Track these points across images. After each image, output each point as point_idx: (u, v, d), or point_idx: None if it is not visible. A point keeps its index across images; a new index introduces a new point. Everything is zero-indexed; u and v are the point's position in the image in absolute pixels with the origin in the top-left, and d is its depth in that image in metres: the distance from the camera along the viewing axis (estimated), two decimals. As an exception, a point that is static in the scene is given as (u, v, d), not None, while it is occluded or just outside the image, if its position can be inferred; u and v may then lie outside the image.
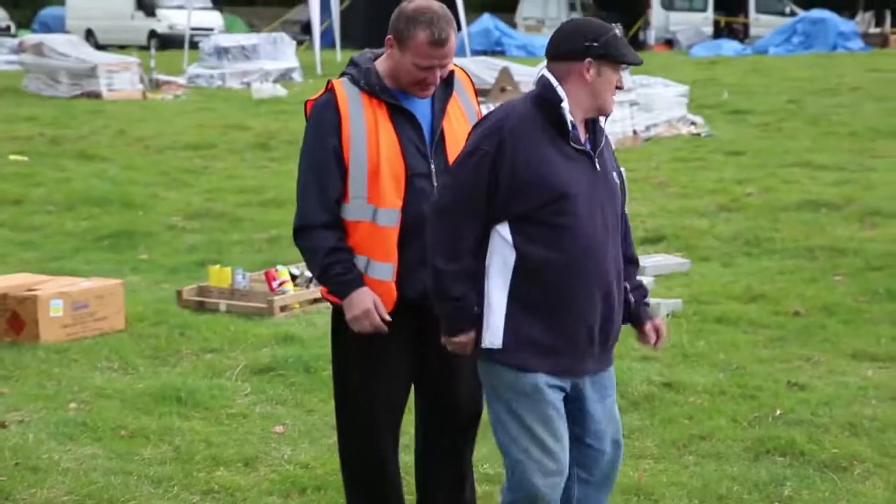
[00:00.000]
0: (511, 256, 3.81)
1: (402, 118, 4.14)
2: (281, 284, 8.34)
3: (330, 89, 4.16)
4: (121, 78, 22.41)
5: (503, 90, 13.96)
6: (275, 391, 6.52)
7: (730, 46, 34.39)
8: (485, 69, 16.29)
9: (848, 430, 5.81)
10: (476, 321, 3.85)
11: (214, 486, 5.25)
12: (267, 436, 5.86)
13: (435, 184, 4.09)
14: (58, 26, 38.51)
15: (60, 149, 15.71)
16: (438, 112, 4.18)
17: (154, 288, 8.98)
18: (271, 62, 25.00)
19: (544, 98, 3.81)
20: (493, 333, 3.82)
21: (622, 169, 4.14)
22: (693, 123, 17.04)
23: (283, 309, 8.15)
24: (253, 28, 40.59)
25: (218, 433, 5.87)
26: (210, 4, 38.67)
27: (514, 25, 40.41)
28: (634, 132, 15.88)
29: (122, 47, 33.64)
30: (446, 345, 3.91)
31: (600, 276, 3.84)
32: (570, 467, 3.94)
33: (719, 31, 40.09)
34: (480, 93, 14.70)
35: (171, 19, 37.46)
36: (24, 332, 7.37)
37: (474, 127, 3.91)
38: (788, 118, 18.21)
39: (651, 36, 40.23)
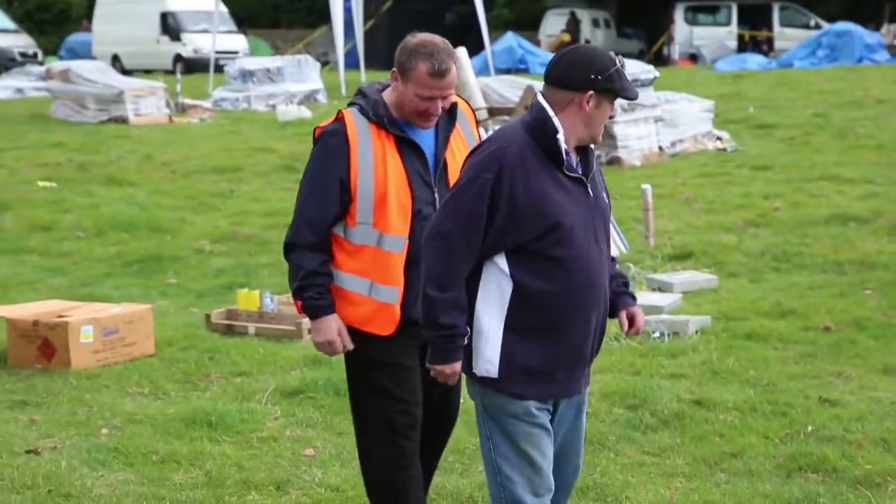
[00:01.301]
0: (508, 287, 3.83)
1: (408, 149, 4.32)
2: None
3: (340, 118, 4.33)
4: (147, 103, 22.54)
5: (527, 108, 13.95)
6: (305, 414, 6.53)
7: (754, 60, 34.29)
8: (508, 87, 16.30)
9: (881, 446, 5.78)
10: (462, 353, 3.88)
11: (246, 510, 5.26)
12: (297, 459, 5.87)
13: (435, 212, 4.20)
14: (84, 52, 38.77)
15: (88, 174, 15.80)
16: (442, 143, 4.38)
17: (183, 312, 9.02)
18: (296, 84, 25.08)
19: (539, 127, 3.83)
20: (489, 362, 3.86)
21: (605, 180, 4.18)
22: (719, 138, 17.00)
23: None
24: (277, 51, 40.78)
25: (249, 457, 5.89)
26: (234, 28, 38.87)
27: (537, 43, 40.45)
28: (660, 148, 15.85)
29: (147, 72, 33.85)
30: (430, 371, 3.94)
31: (597, 303, 3.90)
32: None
33: (744, 45, 40.00)
34: (504, 111, 14.71)
35: (195, 43, 37.67)
36: (55, 358, 7.41)
37: (470, 154, 3.95)
38: (815, 132, 18.14)
39: (675, 51, 40.19)
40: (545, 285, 3.80)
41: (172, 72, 33.24)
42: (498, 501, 3.96)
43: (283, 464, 5.80)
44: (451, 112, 4.41)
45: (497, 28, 37.72)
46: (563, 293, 3.81)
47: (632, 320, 4.08)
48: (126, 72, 32.06)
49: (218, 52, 30.72)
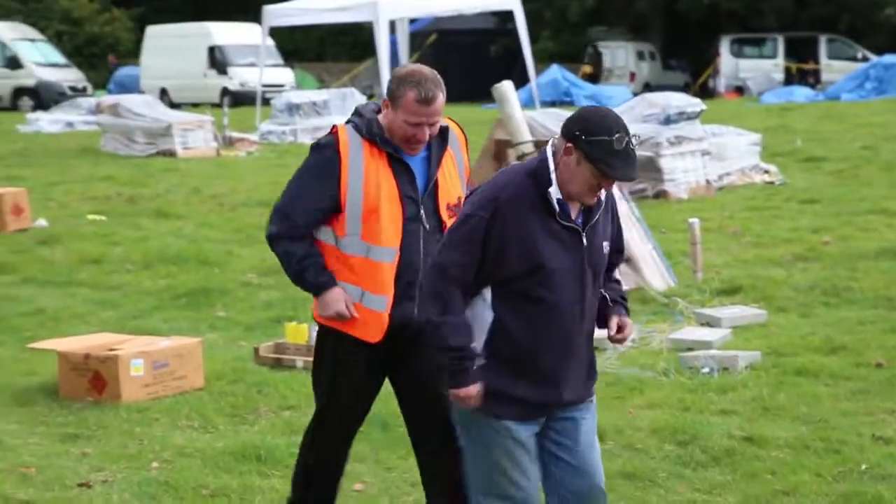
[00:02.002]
0: (489, 316, 4.11)
1: (399, 167, 4.62)
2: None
3: (334, 133, 4.64)
4: (195, 136, 22.75)
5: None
6: (353, 448, 6.50)
7: (801, 93, 34.16)
8: (554, 121, 16.27)
9: (936, 485, 5.70)
10: (474, 376, 4.09)
11: (295, 545, 5.25)
12: (347, 494, 5.85)
13: (426, 226, 4.61)
14: (132, 85, 39.21)
15: (137, 207, 15.95)
16: (434, 163, 4.68)
17: (231, 345, 9.06)
18: (342, 117, 25.19)
19: (537, 175, 4.07)
20: None
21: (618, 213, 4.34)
22: (766, 172, 16.92)
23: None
24: (323, 83, 41.05)
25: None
26: (281, 61, 39.20)
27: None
28: (707, 182, 15.79)
29: (195, 105, 34.16)
30: (452, 398, 4.14)
31: (570, 344, 4.13)
32: (556, 490, 4.21)
33: (790, 78, 39.86)
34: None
35: (242, 77, 38.01)
36: (106, 391, 7.46)
37: (473, 192, 4.24)
38: (863, 165, 18.01)
39: (721, 83, 40.12)
40: (522, 323, 4.07)
41: (219, 105, 33.54)
42: None
43: (333, 499, 5.79)
44: (443, 135, 4.69)
45: (541, 60, 37.80)
46: (537, 332, 4.06)
47: (620, 328, 4.26)
48: (174, 105, 32.38)
49: (265, 86, 30.96)
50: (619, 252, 4.32)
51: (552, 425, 4.20)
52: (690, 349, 8.19)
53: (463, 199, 4.65)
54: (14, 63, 38.28)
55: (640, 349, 8.41)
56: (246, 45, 37.91)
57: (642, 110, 16.21)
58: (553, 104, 30.10)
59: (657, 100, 16.56)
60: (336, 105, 25.23)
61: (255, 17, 32.94)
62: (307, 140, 24.52)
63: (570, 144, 3.98)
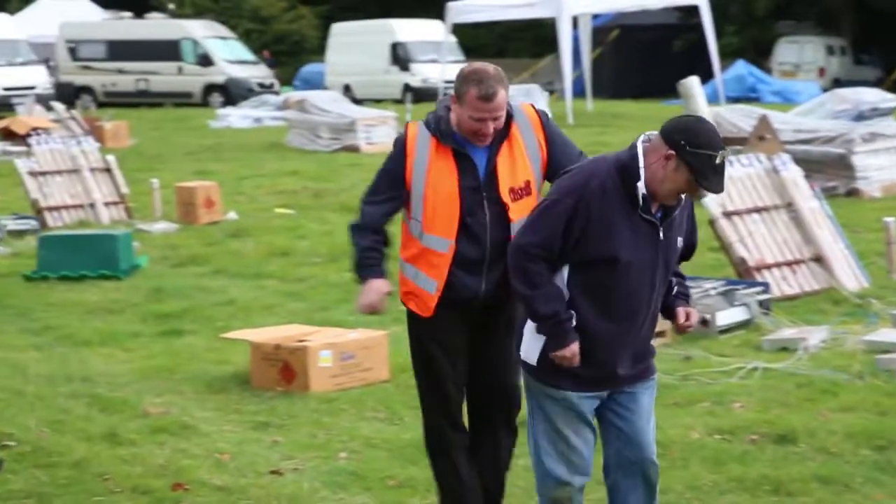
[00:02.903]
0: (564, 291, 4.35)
1: (462, 161, 4.92)
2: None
3: (406, 129, 5.02)
4: (378, 132, 23.08)
5: (761, 139, 13.68)
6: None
7: None
8: (742, 117, 15.98)
9: None
10: (574, 336, 4.33)
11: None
12: (532, 487, 5.84)
13: (488, 215, 4.88)
14: (317, 82, 39.98)
15: (323, 202, 16.25)
16: (493, 154, 4.93)
17: (416, 338, 9.12)
18: (523, 113, 25.24)
19: (626, 169, 4.27)
20: (530, 350, 4.42)
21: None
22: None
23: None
24: (503, 80, 41.09)
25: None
26: (462, 58, 39.43)
27: (768, 71, 39.64)
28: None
29: (377, 101, 34.65)
30: (557, 361, 4.36)
31: (633, 330, 4.36)
32: (613, 470, 4.50)
33: None
34: (737, 141, 14.42)
35: (424, 73, 38.37)
36: (295, 381, 7.61)
37: (561, 176, 4.51)
38: None
39: (914, 78, 38.75)
40: (590, 306, 4.31)
41: (401, 101, 33.92)
42: (537, 474, 4.55)
43: (518, 492, 5.79)
44: (505, 123, 4.92)
45: (726, 56, 37.11)
46: (605, 318, 4.30)
47: (687, 316, 4.46)
48: (357, 101, 32.90)
49: (446, 82, 31.18)
50: (690, 247, 4.51)
51: (614, 397, 4.45)
52: (887, 351, 7.93)
53: (531, 182, 4.95)
54: (206, 60, 39.41)
55: (833, 350, 8.17)
56: (428, 41, 38.25)
57: (833, 106, 15.79)
58: (738, 100, 29.51)
59: (849, 95, 16.11)
60: (518, 100, 25.19)
61: (438, 13, 33.25)
62: (488, 136, 24.63)
63: (671, 151, 4.17)
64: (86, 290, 11.08)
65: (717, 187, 4.17)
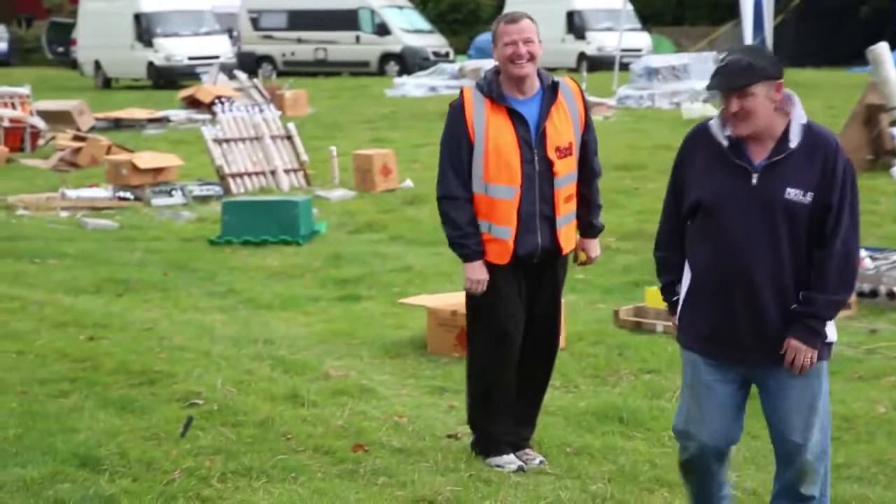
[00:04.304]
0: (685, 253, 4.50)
1: (516, 117, 5.49)
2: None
3: (461, 95, 5.56)
4: (553, 100, 22.95)
5: None
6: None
7: None
8: None
9: None
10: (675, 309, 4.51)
11: (658, 508, 5.26)
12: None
13: (537, 168, 5.46)
14: (491, 51, 39.99)
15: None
16: (544, 113, 5.52)
17: (590, 308, 9.12)
18: (701, 82, 24.76)
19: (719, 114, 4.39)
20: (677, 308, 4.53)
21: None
22: None
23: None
24: (680, 48, 40.50)
25: (661, 454, 5.87)
26: (639, 26, 38.95)
27: None
28: None
29: (552, 70, 34.47)
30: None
31: (741, 277, 4.28)
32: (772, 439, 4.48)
33: None
34: None
35: (600, 41, 38.04)
36: (471, 347, 7.66)
37: None
38: None
39: None
40: (693, 254, 4.41)
41: (577, 70, 33.70)
42: None
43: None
44: (553, 88, 5.53)
45: (914, 21, 35.75)
46: (708, 259, 4.33)
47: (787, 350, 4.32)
48: (532, 70, 32.66)
49: (623, 51, 30.86)
50: (826, 208, 4.27)
51: (761, 383, 4.44)
52: None
53: (573, 144, 5.54)
54: (383, 29, 39.83)
55: None
56: (604, 9, 37.90)
57: None
58: None
59: None
60: (696, 69, 24.83)
61: (615, -20, 32.86)
62: (665, 105, 24.31)
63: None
64: (267, 254, 11.36)
65: (713, 82, 4.29)
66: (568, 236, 5.70)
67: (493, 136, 5.45)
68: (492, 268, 5.58)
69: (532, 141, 5.48)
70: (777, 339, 4.32)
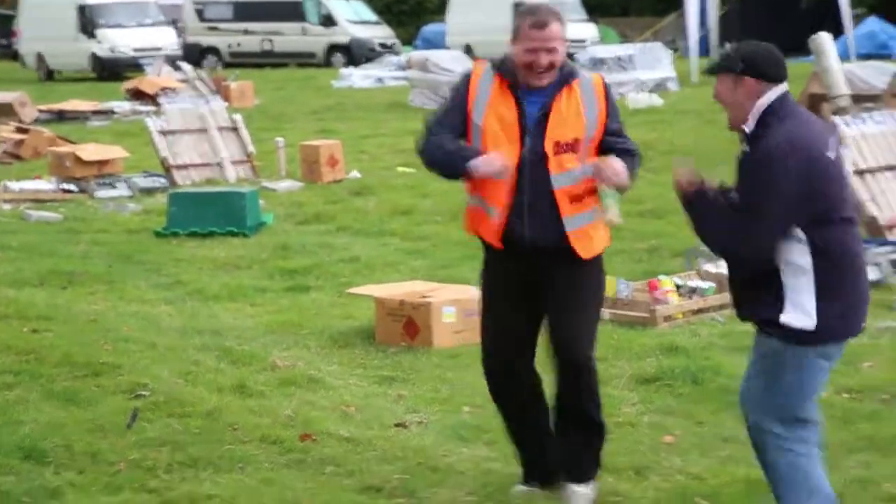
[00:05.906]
0: None
1: (522, 98, 5.07)
2: (664, 294, 8.30)
3: (472, 67, 5.26)
4: (500, 91, 22.99)
5: (895, 96, 13.34)
6: (662, 401, 6.50)
7: None
8: (875, 74, 15.62)
9: None
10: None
11: (604, 492, 5.29)
12: (656, 445, 5.85)
13: (529, 158, 5.03)
14: (439, 42, 39.92)
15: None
16: (548, 104, 5.05)
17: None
18: (647, 72, 24.95)
19: None
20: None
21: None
22: None
23: (666, 319, 8.12)
24: (625, 39, 40.69)
25: (607, 441, 5.89)
26: (585, 16, 39.07)
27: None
28: None
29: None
30: None
31: None
32: None
33: None
34: (868, 98, 14.09)
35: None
36: (418, 337, 7.69)
37: None
38: None
39: None
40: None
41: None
42: None
43: (643, 450, 5.79)
44: (566, 78, 5.07)
45: (855, 14, 36.13)
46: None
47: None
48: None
49: (571, 42, 30.91)
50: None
51: None
52: None
53: (580, 141, 5.06)
54: (329, 21, 39.69)
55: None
56: (552, 0, 37.95)
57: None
58: (869, 57, 28.77)
59: None
60: (641, 60, 24.95)
61: (561, -29, 32.93)
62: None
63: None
64: (214, 246, 11.30)
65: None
66: (586, 238, 5.17)
67: (494, 111, 5.07)
68: (490, 254, 5.28)
69: (531, 129, 5.05)
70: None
